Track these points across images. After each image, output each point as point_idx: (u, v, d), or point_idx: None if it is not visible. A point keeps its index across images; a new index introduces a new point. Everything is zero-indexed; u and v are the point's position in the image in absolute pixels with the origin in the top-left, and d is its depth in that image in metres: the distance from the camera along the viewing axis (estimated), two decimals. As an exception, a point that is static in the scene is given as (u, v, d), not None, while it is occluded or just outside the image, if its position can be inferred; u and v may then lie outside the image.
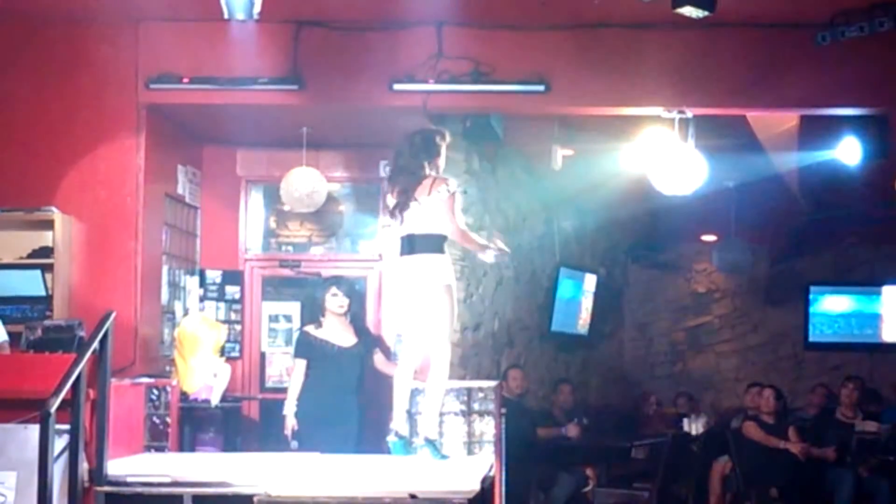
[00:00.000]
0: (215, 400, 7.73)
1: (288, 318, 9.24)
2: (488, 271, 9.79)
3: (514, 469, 7.13)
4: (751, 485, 9.91)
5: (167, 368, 8.05)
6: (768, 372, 13.46)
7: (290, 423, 7.55)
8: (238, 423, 8.45)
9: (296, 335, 8.14)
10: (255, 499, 5.00)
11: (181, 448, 7.40)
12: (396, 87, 7.82)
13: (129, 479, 5.67)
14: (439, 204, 6.34)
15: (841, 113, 8.46)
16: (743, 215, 11.99)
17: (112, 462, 5.74)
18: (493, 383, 7.24)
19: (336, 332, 7.69)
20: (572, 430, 10.11)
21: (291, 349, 8.24)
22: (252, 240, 9.39)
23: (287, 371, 8.64)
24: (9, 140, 7.88)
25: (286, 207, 9.06)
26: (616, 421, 12.26)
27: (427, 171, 6.43)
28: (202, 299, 8.96)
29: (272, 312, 9.29)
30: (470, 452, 6.95)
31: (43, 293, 7.73)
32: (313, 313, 7.84)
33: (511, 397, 9.37)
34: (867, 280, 13.70)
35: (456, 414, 7.01)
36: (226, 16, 7.01)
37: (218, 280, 9.09)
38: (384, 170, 8.99)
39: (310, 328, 7.75)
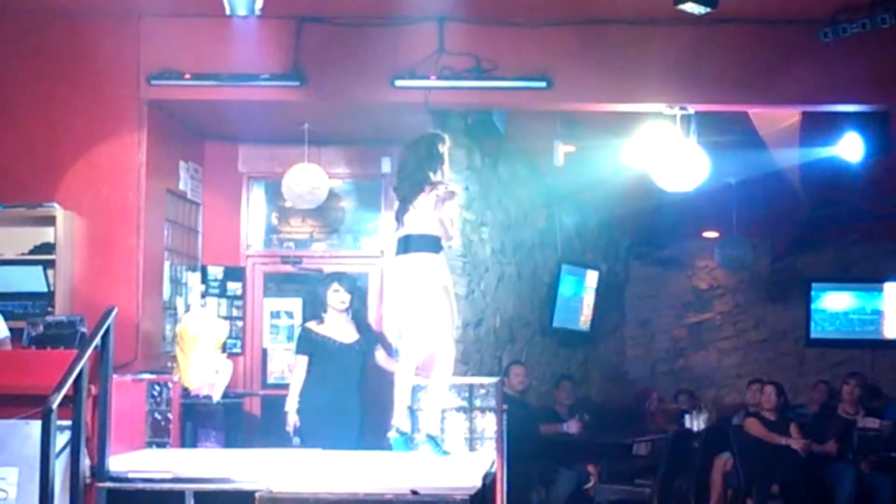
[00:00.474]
0: (217, 396, 7.72)
1: (289, 315, 9.24)
2: (490, 268, 9.79)
3: (516, 465, 7.14)
4: (752, 481, 9.89)
5: (169, 365, 8.03)
6: (770, 368, 13.45)
7: (292, 419, 7.53)
8: (240, 419, 8.46)
9: (297, 331, 8.13)
10: (257, 495, 4.99)
11: (183, 444, 7.40)
12: (398, 83, 7.81)
13: (130, 476, 5.69)
14: (433, 205, 6.40)
15: (843, 109, 8.47)
16: (744, 212, 11.99)
17: (114, 458, 5.75)
18: (494, 380, 7.25)
19: (338, 328, 7.68)
20: (574, 427, 10.09)
21: (293, 345, 8.23)
22: (254, 236, 9.39)
23: (289, 367, 8.63)
24: (10, 136, 7.89)
25: (288, 204, 9.07)
26: (617, 417, 12.26)
27: (433, 179, 6.49)
28: (204, 295, 8.95)
29: (274, 309, 9.29)
30: (471, 449, 6.95)
31: (44, 289, 7.73)
32: (315, 310, 7.82)
33: (512, 394, 9.36)
34: (869, 276, 13.68)
35: (457, 410, 7.01)
36: (227, 12, 7.03)
37: (219, 276, 9.09)
38: (386, 166, 9.03)
39: (311, 324, 7.74)
